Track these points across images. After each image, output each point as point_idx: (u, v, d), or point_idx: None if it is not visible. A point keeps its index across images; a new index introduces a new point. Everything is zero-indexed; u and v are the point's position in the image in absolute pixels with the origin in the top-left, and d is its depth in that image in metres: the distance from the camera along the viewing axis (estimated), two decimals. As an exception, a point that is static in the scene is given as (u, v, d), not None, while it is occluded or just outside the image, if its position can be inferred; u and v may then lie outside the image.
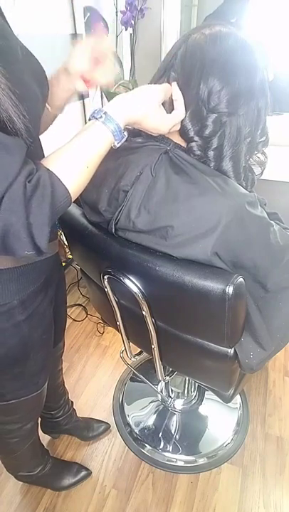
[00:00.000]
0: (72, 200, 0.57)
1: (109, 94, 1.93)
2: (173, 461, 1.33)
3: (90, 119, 0.60)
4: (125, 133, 0.62)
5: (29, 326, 0.77)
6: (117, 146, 0.62)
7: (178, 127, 0.71)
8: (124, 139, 0.63)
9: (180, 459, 1.33)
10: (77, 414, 1.40)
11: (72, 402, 1.36)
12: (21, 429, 1.00)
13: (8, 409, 0.91)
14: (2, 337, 0.75)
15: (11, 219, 0.49)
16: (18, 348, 0.78)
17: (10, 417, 0.96)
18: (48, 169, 0.54)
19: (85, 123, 2.01)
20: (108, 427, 1.41)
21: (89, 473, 1.27)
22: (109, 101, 2.01)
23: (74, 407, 1.38)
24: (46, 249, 0.54)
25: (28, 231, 0.51)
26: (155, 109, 0.65)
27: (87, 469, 1.28)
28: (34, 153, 0.59)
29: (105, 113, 0.59)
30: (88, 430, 1.38)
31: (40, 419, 1.31)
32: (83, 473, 1.27)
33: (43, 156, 0.73)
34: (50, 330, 0.88)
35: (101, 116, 0.59)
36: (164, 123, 0.67)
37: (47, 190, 0.52)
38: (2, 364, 0.80)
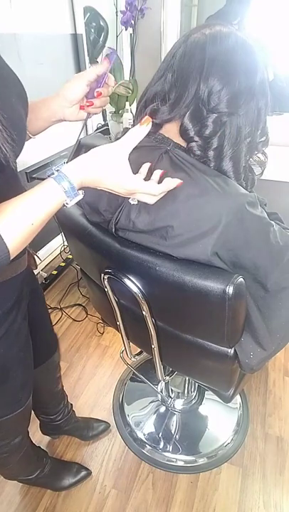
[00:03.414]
0: (11, 258, 0.53)
1: (109, 94, 1.93)
2: (173, 461, 1.33)
3: (47, 176, 0.58)
4: (80, 192, 0.58)
5: (4, 345, 0.75)
6: (69, 205, 0.58)
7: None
8: (79, 199, 0.59)
9: (180, 459, 1.33)
10: (77, 415, 1.39)
11: (71, 404, 1.36)
12: (9, 444, 0.98)
13: None
14: None
15: None
16: None
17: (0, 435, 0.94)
18: None
19: (85, 123, 2.01)
20: (108, 426, 1.42)
21: (89, 473, 1.28)
22: (109, 101, 2.01)
23: (73, 408, 1.38)
24: None
25: None
26: (116, 170, 0.59)
27: (87, 469, 1.28)
28: (12, 182, 0.58)
29: (58, 170, 0.57)
30: (88, 430, 1.38)
31: (39, 421, 1.31)
32: (83, 473, 1.27)
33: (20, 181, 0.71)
34: (27, 346, 0.86)
35: (53, 173, 0.57)
36: (126, 185, 0.60)
37: None
38: None
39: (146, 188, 0.61)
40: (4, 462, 1.05)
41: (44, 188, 0.56)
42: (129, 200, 0.68)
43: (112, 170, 0.59)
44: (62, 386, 1.27)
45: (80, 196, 0.59)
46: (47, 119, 0.77)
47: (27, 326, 0.84)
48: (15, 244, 0.52)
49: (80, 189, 0.59)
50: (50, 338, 1.09)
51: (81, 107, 0.75)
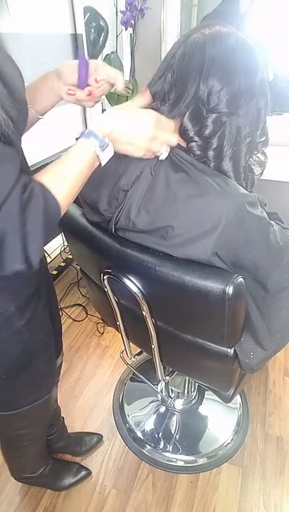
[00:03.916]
0: (63, 213, 0.58)
1: (109, 94, 1.93)
2: (173, 461, 1.33)
3: (81, 136, 0.62)
4: (109, 142, 0.63)
5: (29, 331, 0.77)
6: (104, 157, 0.63)
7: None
8: (110, 151, 0.64)
9: (180, 458, 1.33)
10: (77, 415, 1.39)
11: (63, 417, 1.32)
12: (33, 433, 1.00)
13: (21, 416, 0.91)
14: (5, 347, 0.74)
15: (6, 228, 0.50)
16: (21, 355, 0.78)
17: (22, 423, 0.96)
18: (39, 182, 0.55)
19: (85, 122, 2.01)
20: (100, 437, 1.38)
21: (89, 473, 1.27)
22: (109, 101, 2.01)
23: (72, 411, 1.37)
24: (37, 265, 0.54)
25: (23, 242, 0.51)
26: (139, 119, 0.66)
27: (86, 469, 1.28)
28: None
29: (87, 129, 0.62)
30: (81, 445, 1.34)
31: None
32: (83, 473, 1.26)
33: (25, 161, 0.73)
34: (50, 333, 0.87)
35: (82, 132, 0.62)
36: (148, 132, 0.66)
37: (39, 202, 0.53)
38: (9, 374, 0.79)
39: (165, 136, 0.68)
40: (23, 452, 1.06)
41: (77, 146, 0.61)
42: (159, 155, 0.70)
43: (135, 119, 0.65)
44: (57, 396, 1.23)
45: (111, 147, 0.63)
46: (47, 96, 0.78)
47: (49, 315, 0.86)
48: (64, 200, 0.57)
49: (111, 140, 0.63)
50: (59, 340, 1.08)
51: (68, 93, 0.77)
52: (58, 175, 0.58)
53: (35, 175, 0.57)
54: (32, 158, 1.76)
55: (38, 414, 0.97)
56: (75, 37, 1.81)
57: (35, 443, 1.06)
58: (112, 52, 1.93)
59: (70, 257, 2.28)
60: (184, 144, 0.74)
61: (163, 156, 0.70)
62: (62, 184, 0.57)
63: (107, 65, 0.78)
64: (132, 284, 0.77)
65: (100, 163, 0.63)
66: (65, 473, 1.25)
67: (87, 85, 0.76)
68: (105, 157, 0.63)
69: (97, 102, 0.81)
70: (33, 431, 1.01)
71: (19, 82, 0.62)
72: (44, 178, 0.56)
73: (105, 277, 0.84)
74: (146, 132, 0.65)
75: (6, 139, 0.53)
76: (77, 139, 0.62)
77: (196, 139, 0.70)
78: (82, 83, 0.75)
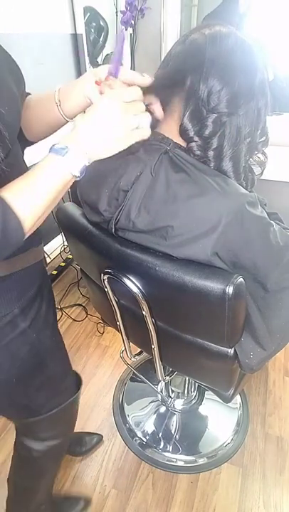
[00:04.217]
0: (26, 237, 0.52)
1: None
2: (173, 461, 1.33)
3: (49, 151, 0.54)
4: (87, 161, 0.55)
5: (36, 330, 0.75)
6: (80, 176, 0.56)
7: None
8: (82, 169, 0.55)
9: (180, 458, 1.33)
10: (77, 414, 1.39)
11: None
12: (58, 446, 0.96)
13: (47, 422, 0.87)
14: (12, 349, 0.72)
15: None
16: (31, 356, 0.76)
17: (49, 432, 0.92)
18: (2, 198, 0.49)
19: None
20: (100, 437, 1.38)
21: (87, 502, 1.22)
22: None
23: None
24: None
25: None
26: (123, 141, 0.58)
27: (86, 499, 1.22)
28: (12, 162, 0.54)
29: (67, 151, 0.53)
30: (81, 445, 1.34)
31: None
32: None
33: (24, 163, 0.69)
34: (57, 332, 0.86)
35: (64, 151, 0.53)
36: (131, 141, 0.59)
37: None
38: (22, 377, 0.77)
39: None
40: (46, 469, 1.01)
41: (54, 167, 0.53)
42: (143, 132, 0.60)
43: (104, 123, 0.56)
44: None
45: (88, 164, 0.55)
46: (76, 96, 0.68)
47: (53, 316, 0.85)
48: (29, 222, 0.51)
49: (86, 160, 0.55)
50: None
51: (97, 83, 0.64)
52: (24, 194, 0.51)
53: (3, 188, 0.51)
54: (31, 159, 1.76)
55: (65, 418, 0.93)
56: (75, 37, 1.81)
57: (58, 457, 1.01)
58: (112, 52, 1.93)
59: (70, 257, 2.28)
60: (184, 144, 0.74)
61: (147, 127, 0.59)
62: (29, 204, 0.51)
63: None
64: (132, 284, 0.77)
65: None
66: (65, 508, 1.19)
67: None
68: (82, 175, 0.56)
69: None
70: (61, 441, 0.96)
71: (10, 79, 0.58)
72: (9, 194, 0.49)
73: (105, 277, 0.84)
74: (118, 127, 0.56)
75: None
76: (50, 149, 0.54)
77: (196, 139, 0.70)
78: (117, 62, 0.62)
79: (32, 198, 0.51)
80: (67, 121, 0.71)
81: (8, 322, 0.70)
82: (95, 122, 0.56)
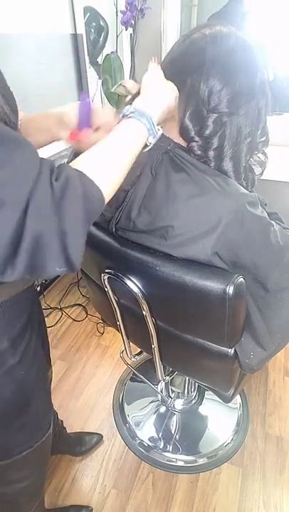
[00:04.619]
0: (106, 203, 0.50)
1: (109, 95, 1.93)
2: (173, 461, 1.33)
3: (121, 118, 0.57)
4: (159, 127, 0.59)
5: (24, 367, 0.69)
6: (152, 142, 0.59)
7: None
8: (159, 135, 0.60)
9: (180, 458, 1.33)
10: (77, 415, 1.39)
11: (62, 421, 1.30)
12: (33, 484, 0.89)
13: (19, 464, 0.80)
14: None
15: (40, 228, 0.41)
16: (16, 396, 0.69)
17: (21, 473, 0.85)
18: (77, 169, 0.47)
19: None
20: (100, 437, 1.38)
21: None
22: (109, 101, 2.00)
23: (70, 415, 1.34)
24: (79, 264, 0.46)
25: (61, 241, 0.43)
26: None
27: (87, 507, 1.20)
28: None
29: (136, 109, 0.57)
30: (81, 445, 1.33)
31: None
32: None
33: None
34: (45, 367, 0.80)
35: (132, 112, 0.56)
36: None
37: (78, 191, 0.44)
38: (3, 418, 0.70)
39: None
40: (37, 495, 0.95)
41: (127, 128, 0.55)
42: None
43: (162, 87, 0.65)
44: (52, 404, 1.21)
45: (160, 132, 0.59)
46: (43, 134, 0.73)
47: (41, 345, 0.78)
48: (107, 189, 0.49)
49: (158, 124, 0.59)
50: (49, 358, 0.99)
51: (71, 137, 0.70)
52: (102, 161, 0.50)
53: (73, 162, 0.49)
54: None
55: (37, 458, 0.86)
56: (75, 37, 1.81)
57: (34, 498, 0.94)
58: (112, 52, 1.93)
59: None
60: (184, 144, 0.74)
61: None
62: (107, 172, 0.50)
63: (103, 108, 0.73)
64: (133, 284, 0.77)
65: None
66: None
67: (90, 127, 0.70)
68: (151, 144, 0.59)
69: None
70: (34, 480, 0.88)
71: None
72: (84, 165, 0.48)
73: (105, 277, 0.84)
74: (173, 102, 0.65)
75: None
76: (124, 116, 0.57)
77: (196, 138, 0.70)
78: (82, 124, 0.70)
79: (109, 164, 0.51)
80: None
81: None
82: (158, 91, 0.64)
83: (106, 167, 0.50)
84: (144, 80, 0.66)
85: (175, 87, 0.66)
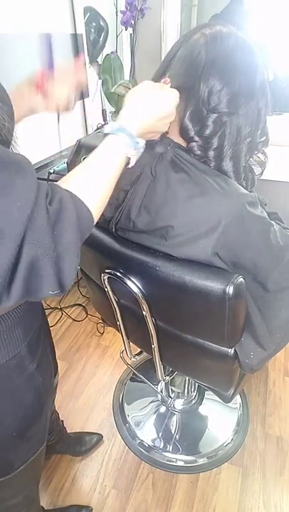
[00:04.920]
0: (95, 223, 0.51)
1: (109, 95, 1.93)
2: (173, 461, 1.33)
3: (104, 135, 0.56)
4: (139, 140, 0.57)
5: (41, 373, 0.67)
6: (135, 155, 0.58)
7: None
8: (141, 151, 0.58)
9: (180, 458, 1.33)
10: (77, 415, 1.39)
11: (62, 421, 1.31)
12: (26, 498, 0.85)
13: (15, 478, 0.73)
14: (18, 395, 0.64)
15: (36, 254, 0.41)
16: (34, 403, 0.68)
17: (16, 487, 0.79)
18: (67, 190, 0.47)
19: (85, 122, 2.01)
20: (100, 437, 1.38)
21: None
22: (109, 101, 2.00)
23: (70, 415, 1.33)
24: (69, 287, 0.46)
25: (56, 265, 0.43)
26: (167, 119, 0.63)
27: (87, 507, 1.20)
28: None
29: (115, 126, 0.56)
30: (81, 445, 1.34)
31: None
32: None
33: None
34: (52, 371, 0.78)
35: (112, 129, 0.56)
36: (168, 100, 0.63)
37: (71, 213, 0.44)
38: (20, 429, 0.67)
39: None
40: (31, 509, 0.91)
41: (109, 147, 0.54)
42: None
43: (152, 98, 0.60)
44: (54, 406, 1.17)
45: (142, 146, 0.58)
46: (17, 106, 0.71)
47: (51, 352, 0.79)
48: (96, 209, 0.50)
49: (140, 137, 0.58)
50: (55, 364, 0.95)
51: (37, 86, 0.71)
52: (88, 181, 0.50)
53: (60, 181, 0.49)
54: (31, 159, 1.76)
55: (33, 470, 0.80)
56: (75, 37, 1.81)
57: (30, 511, 0.90)
58: (112, 52, 1.93)
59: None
60: (184, 144, 0.74)
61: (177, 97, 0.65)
62: (94, 191, 0.50)
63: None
64: (133, 284, 0.77)
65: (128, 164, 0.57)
66: None
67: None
68: (136, 159, 0.58)
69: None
70: (27, 493, 0.84)
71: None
72: (72, 185, 0.48)
73: (105, 277, 0.84)
74: (170, 117, 0.63)
75: (3, 141, 0.48)
76: (105, 134, 0.56)
77: (196, 138, 0.70)
78: (46, 66, 0.70)
79: (97, 188, 0.51)
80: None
81: (16, 365, 0.62)
82: (140, 101, 0.59)
83: (93, 186, 0.50)
84: (129, 92, 0.62)
85: (173, 95, 0.63)
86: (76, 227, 0.45)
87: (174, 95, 0.64)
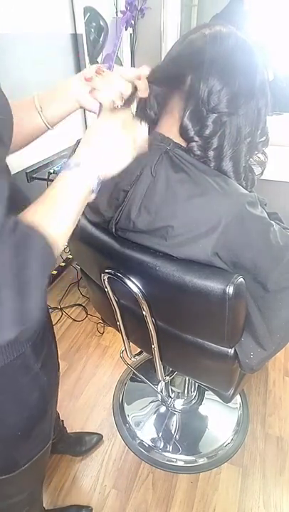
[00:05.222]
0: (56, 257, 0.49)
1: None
2: (173, 461, 1.33)
3: (64, 170, 0.54)
4: (98, 178, 0.55)
5: (46, 373, 0.67)
6: (94, 189, 0.55)
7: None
8: (98, 186, 0.56)
9: (180, 458, 1.33)
10: (77, 415, 1.39)
11: (62, 421, 1.30)
12: (29, 496, 0.86)
13: (19, 476, 0.73)
14: (23, 395, 0.64)
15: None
16: (39, 403, 0.68)
17: (20, 485, 0.80)
18: (32, 225, 0.45)
19: (86, 124, 2.01)
20: (100, 437, 1.38)
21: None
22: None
23: (70, 414, 1.34)
24: (35, 322, 0.44)
25: (20, 299, 0.41)
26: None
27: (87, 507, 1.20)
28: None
29: (79, 165, 0.53)
30: (81, 445, 1.34)
31: None
32: None
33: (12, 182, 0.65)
34: (57, 370, 0.79)
35: (76, 169, 0.53)
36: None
37: (35, 247, 0.43)
38: (24, 429, 0.67)
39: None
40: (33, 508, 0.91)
41: (71, 185, 0.52)
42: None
43: (112, 137, 0.57)
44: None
45: (97, 175, 0.55)
46: (60, 101, 0.68)
47: (56, 352, 0.78)
48: (59, 245, 0.48)
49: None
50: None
51: (87, 79, 0.64)
52: (49, 214, 0.48)
53: (23, 213, 0.47)
54: (31, 159, 1.76)
55: (38, 468, 0.81)
56: (75, 37, 1.81)
57: (33, 509, 0.90)
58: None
59: (70, 257, 2.28)
60: (184, 144, 0.74)
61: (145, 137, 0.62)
62: (56, 224, 0.48)
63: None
64: (133, 284, 0.77)
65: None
66: None
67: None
68: (95, 191, 0.55)
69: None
70: (31, 491, 0.84)
71: None
72: (36, 217, 0.46)
73: (105, 277, 0.84)
74: (127, 150, 0.58)
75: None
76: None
77: (196, 138, 0.70)
78: (113, 55, 0.62)
79: (58, 220, 0.49)
80: (48, 129, 0.69)
81: (21, 365, 0.61)
82: (101, 136, 0.56)
83: (55, 222, 0.49)
84: (93, 125, 0.58)
85: (131, 143, 0.59)
86: (40, 258, 0.43)
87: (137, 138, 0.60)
